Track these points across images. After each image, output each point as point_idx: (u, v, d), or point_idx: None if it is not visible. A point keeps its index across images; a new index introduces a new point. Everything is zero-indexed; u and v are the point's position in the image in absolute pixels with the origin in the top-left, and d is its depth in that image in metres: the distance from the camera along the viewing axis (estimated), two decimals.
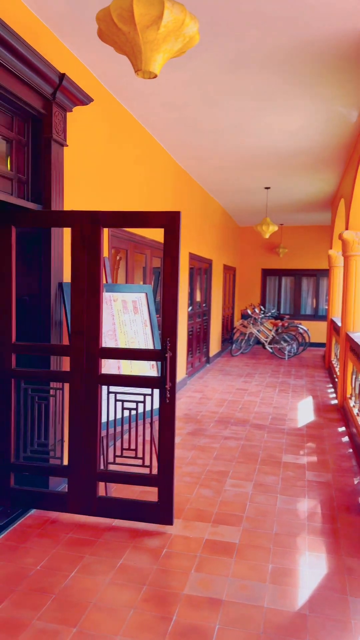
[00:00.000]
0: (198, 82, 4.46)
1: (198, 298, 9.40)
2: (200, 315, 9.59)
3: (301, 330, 11.97)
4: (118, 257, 5.39)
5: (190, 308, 8.74)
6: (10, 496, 3.52)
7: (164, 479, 3.32)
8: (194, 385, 8.21)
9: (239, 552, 3.12)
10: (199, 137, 6.05)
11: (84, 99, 3.73)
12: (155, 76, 2.22)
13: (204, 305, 9.90)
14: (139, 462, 3.47)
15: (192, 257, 8.49)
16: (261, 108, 5.03)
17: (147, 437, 4.95)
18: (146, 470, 3.44)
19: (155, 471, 3.39)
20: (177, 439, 5.23)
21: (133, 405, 3.49)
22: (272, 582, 2.80)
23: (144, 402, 3.39)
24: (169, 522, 3.34)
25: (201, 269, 9.49)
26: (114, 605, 2.56)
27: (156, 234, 6.19)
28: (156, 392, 3.52)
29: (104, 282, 4.21)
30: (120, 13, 1.97)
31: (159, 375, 4.04)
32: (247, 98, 4.79)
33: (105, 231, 4.68)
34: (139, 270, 6.00)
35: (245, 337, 11.95)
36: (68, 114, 3.79)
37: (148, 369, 4.00)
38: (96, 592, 2.66)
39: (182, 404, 6.89)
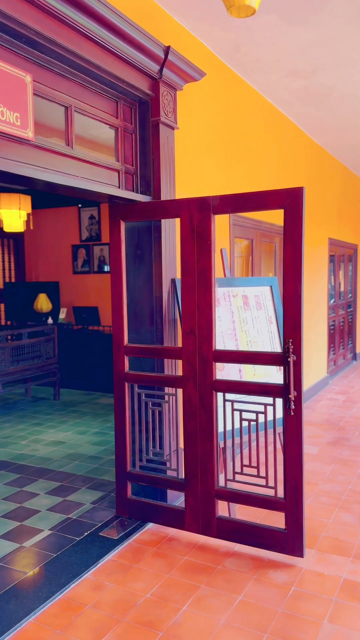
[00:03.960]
0: (328, 39, 3.82)
1: (342, 288, 8.53)
2: (344, 307, 8.69)
3: None
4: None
5: (332, 300, 7.93)
6: (127, 507, 3.33)
7: (291, 504, 2.83)
8: (337, 385, 7.43)
9: None
10: (334, 106, 5.32)
11: (194, 74, 3.37)
12: (254, 12, 1.77)
13: (348, 295, 8.97)
14: (262, 480, 3.02)
15: (332, 242, 7.67)
16: None
17: (271, 450, 4.45)
18: (270, 492, 2.98)
19: (281, 492, 2.92)
20: (314, 450, 4.65)
21: (252, 415, 3.05)
22: None
23: (264, 412, 2.94)
24: (299, 554, 2.85)
25: (344, 256, 8.58)
26: None
27: None
28: (279, 401, 3.04)
29: (222, 276, 3.82)
30: None
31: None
32: None
33: (226, 220, 4.28)
34: (271, 262, 5.49)
35: None
36: (178, 92, 3.46)
37: (274, 372, 3.52)
38: (208, 636, 2.29)
39: (322, 407, 6.21)
